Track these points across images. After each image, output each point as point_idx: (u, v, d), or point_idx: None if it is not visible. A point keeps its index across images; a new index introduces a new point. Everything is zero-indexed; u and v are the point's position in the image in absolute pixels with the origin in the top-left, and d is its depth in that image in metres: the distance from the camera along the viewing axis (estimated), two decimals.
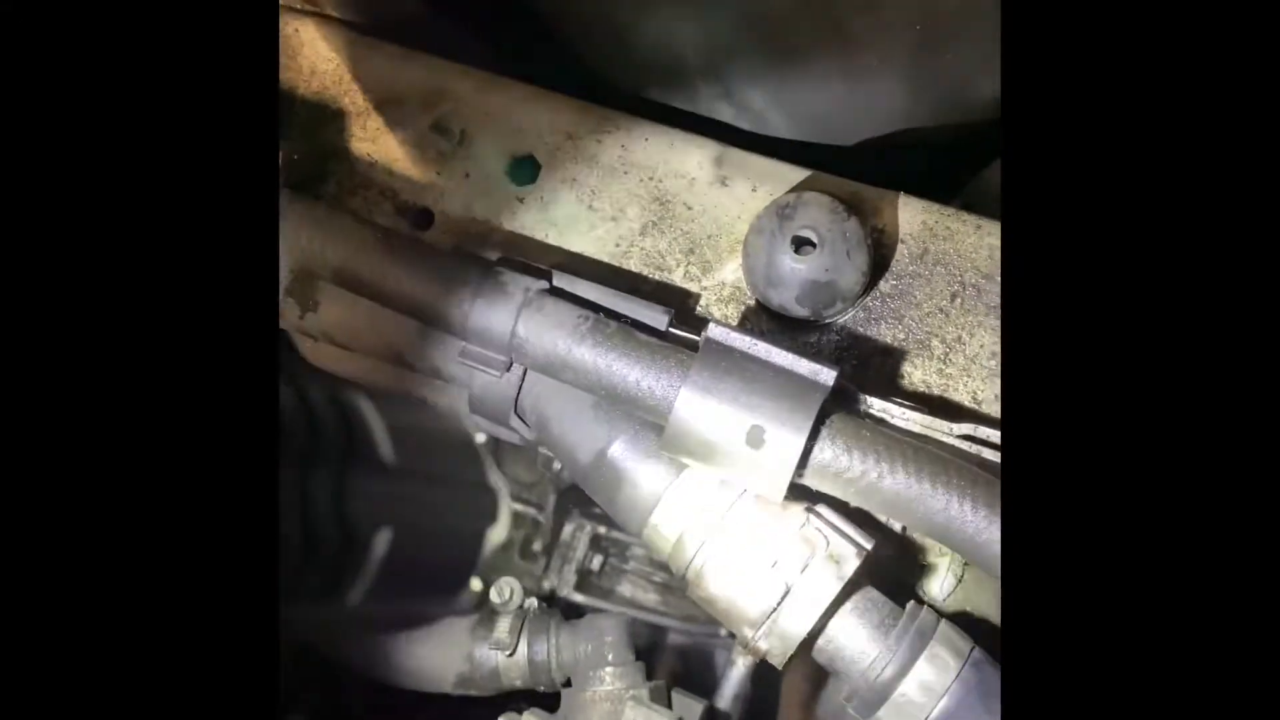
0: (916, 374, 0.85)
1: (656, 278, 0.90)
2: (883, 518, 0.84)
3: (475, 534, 1.11)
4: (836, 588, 0.75)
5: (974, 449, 0.78)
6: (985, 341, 0.84)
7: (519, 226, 0.92)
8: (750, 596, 0.77)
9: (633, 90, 0.98)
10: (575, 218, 0.91)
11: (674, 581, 1.24)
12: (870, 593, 0.79)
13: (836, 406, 0.75)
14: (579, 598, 1.26)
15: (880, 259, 0.86)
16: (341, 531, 0.90)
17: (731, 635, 1.05)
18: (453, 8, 1.06)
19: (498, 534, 1.13)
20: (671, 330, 0.82)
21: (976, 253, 0.86)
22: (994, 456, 0.78)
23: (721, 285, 0.89)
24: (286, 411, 0.88)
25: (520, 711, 0.96)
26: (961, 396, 0.84)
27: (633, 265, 0.90)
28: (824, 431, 0.73)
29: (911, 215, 0.88)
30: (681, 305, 0.88)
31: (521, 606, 1.03)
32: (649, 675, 1.00)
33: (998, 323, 0.84)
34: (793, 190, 0.87)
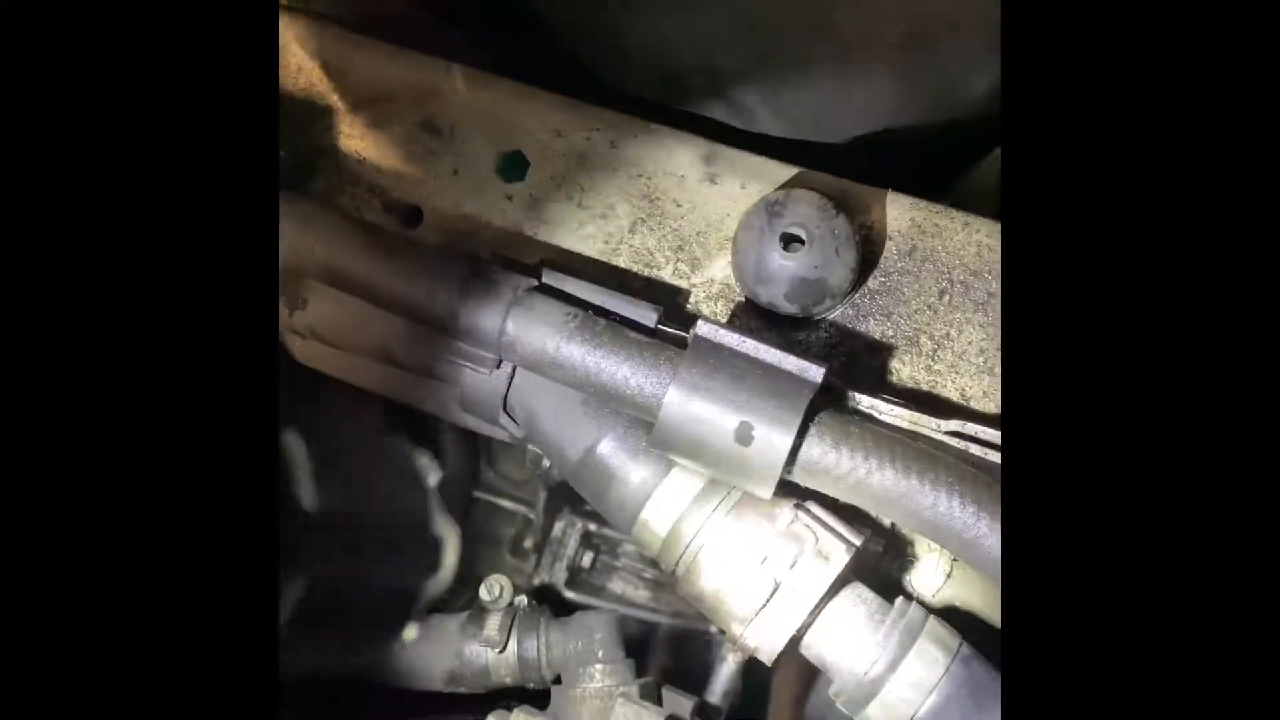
0: (905, 370, 0.85)
1: (646, 275, 0.90)
2: (872, 514, 0.84)
3: (409, 586, 1.06)
4: (825, 584, 0.76)
5: (962, 445, 0.79)
6: (973, 338, 0.85)
7: (508, 224, 0.92)
8: (739, 593, 0.77)
9: (622, 87, 0.98)
10: (564, 215, 0.91)
11: (665, 578, 1.24)
12: (859, 589, 0.79)
13: (825, 403, 0.76)
14: (570, 595, 1.26)
15: (869, 256, 0.86)
16: None
17: (722, 631, 1.06)
18: (441, 5, 1.06)
19: (437, 585, 1.09)
20: (661, 327, 0.82)
21: (965, 249, 0.86)
22: (982, 452, 0.78)
23: (711, 282, 0.89)
24: None
25: (510, 709, 0.97)
26: (950, 393, 0.84)
27: (622, 262, 0.90)
28: (812, 428, 0.73)
29: (900, 212, 0.88)
30: (671, 302, 0.88)
31: (511, 604, 1.03)
32: (640, 672, 1.00)
33: (985, 319, 0.85)
34: (782, 187, 0.88)
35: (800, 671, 1.19)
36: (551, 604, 1.09)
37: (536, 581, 1.26)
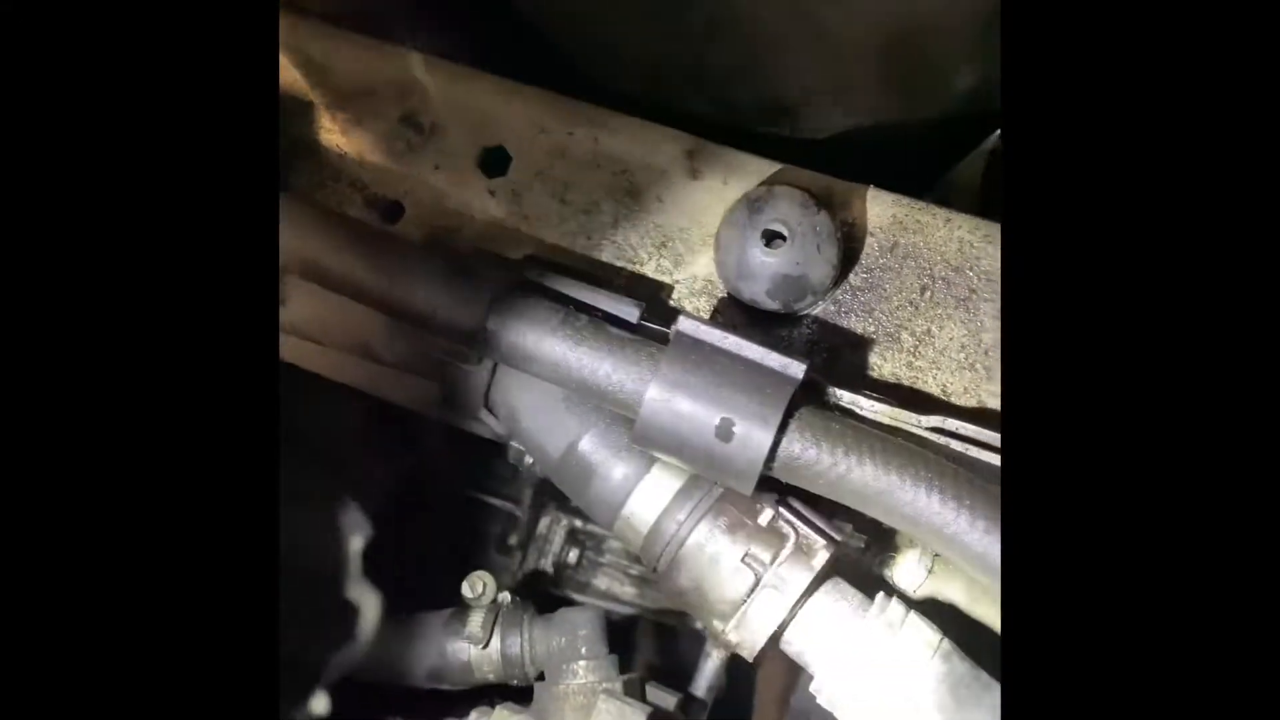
0: (886, 366, 0.85)
1: (629, 271, 0.90)
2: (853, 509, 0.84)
3: (313, 659, 0.94)
4: (806, 580, 0.76)
5: (943, 441, 0.79)
6: (955, 334, 0.85)
7: (490, 219, 0.92)
8: (720, 589, 0.77)
9: (605, 83, 0.98)
10: (547, 210, 0.91)
11: (651, 574, 1.24)
12: (840, 585, 0.79)
13: (806, 399, 0.76)
14: (556, 591, 1.26)
15: (850, 252, 0.86)
16: None
17: (704, 628, 1.06)
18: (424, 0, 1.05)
19: (349, 656, 0.95)
20: (643, 323, 0.82)
21: (946, 246, 0.86)
22: (963, 448, 0.78)
23: (694, 278, 0.89)
24: None
25: (493, 706, 0.96)
26: (931, 388, 0.84)
27: (605, 258, 0.90)
28: (793, 425, 0.73)
29: (881, 209, 0.88)
30: (654, 298, 0.88)
31: (494, 600, 1.03)
32: (626, 668, 1.00)
33: (967, 315, 0.85)
34: (764, 183, 0.88)
35: (785, 667, 1.19)
36: (537, 601, 1.09)
37: (522, 578, 1.26)
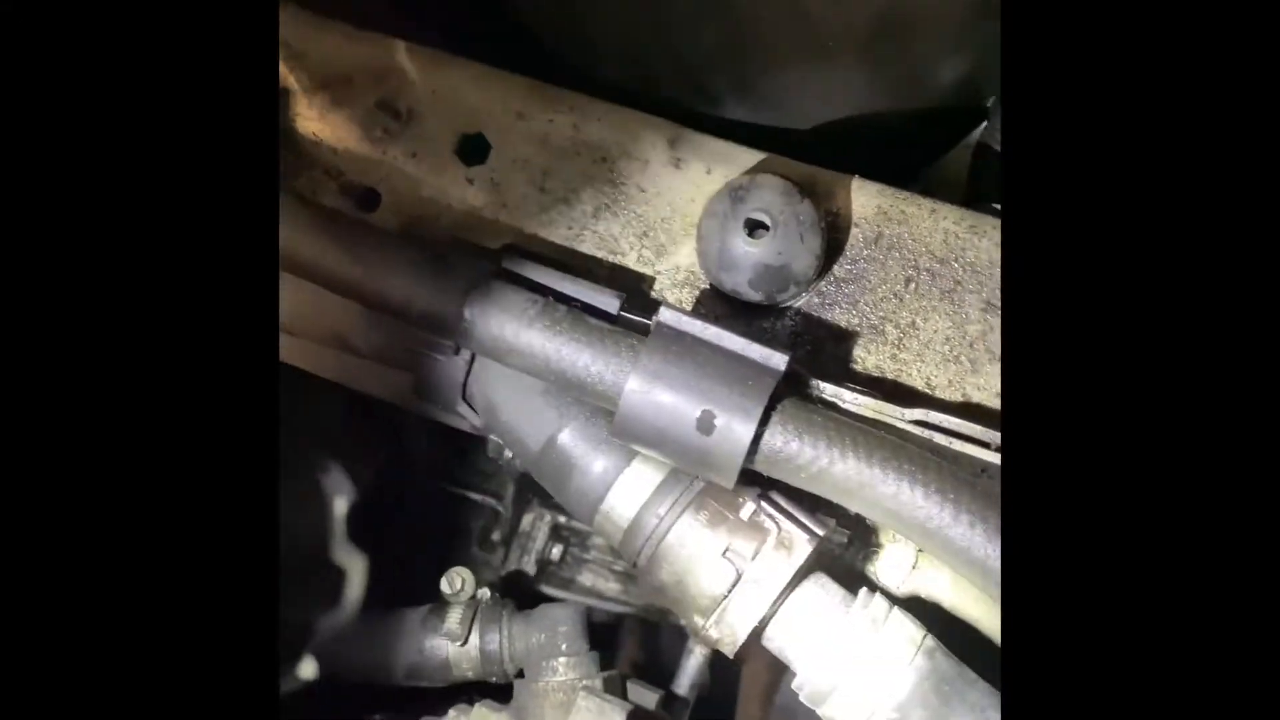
0: (870, 359, 0.84)
1: (610, 261, 0.88)
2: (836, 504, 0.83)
3: (301, 621, 0.94)
4: (787, 575, 0.75)
5: (926, 434, 0.78)
6: (939, 326, 0.84)
7: (468, 208, 0.90)
8: (700, 584, 0.75)
9: (586, 70, 0.96)
10: (526, 199, 0.90)
11: (633, 570, 1.23)
12: (822, 580, 0.78)
13: (788, 392, 0.74)
14: (539, 587, 1.24)
15: (834, 243, 0.85)
16: None
17: (685, 624, 1.05)
18: None
19: (337, 619, 0.94)
20: (623, 314, 0.80)
21: (931, 237, 0.85)
22: (946, 441, 0.77)
23: (676, 269, 0.88)
24: None
25: (471, 703, 0.95)
26: (915, 381, 0.83)
27: (585, 248, 0.89)
28: (775, 417, 0.72)
29: (866, 199, 0.87)
30: (635, 289, 0.87)
31: (473, 597, 1.01)
32: (610, 664, 0.99)
33: (951, 308, 0.84)
34: (747, 173, 0.86)
35: (770, 664, 1.18)
36: (520, 597, 1.07)
37: (505, 574, 1.25)
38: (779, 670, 1.16)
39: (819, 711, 0.77)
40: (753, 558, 0.75)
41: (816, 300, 0.85)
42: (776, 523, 0.76)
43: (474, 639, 1.00)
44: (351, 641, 1.01)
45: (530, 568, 1.23)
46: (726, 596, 0.75)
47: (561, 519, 1.25)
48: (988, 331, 0.83)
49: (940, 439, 0.77)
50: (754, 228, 0.80)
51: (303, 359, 0.89)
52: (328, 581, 0.92)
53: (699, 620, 0.76)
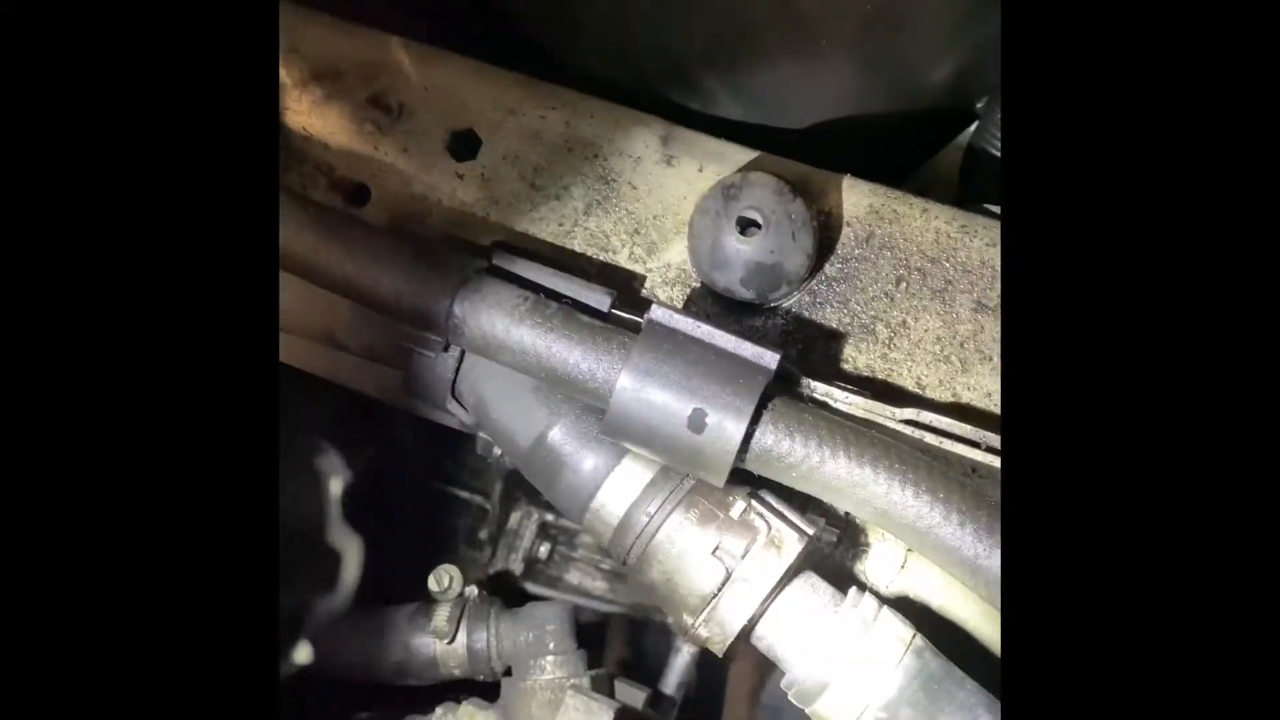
0: (861, 358, 0.84)
1: (601, 258, 0.88)
2: (826, 503, 0.83)
3: (296, 604, 0.93)
4: (777, 574, 0.74)
5: (917, 434, 0.78)
6: (930, 326, 0.84)
7: (458, 204, 0.89)
8: (690, 582, 0.75)
9: (579, 67, 0.96)
10: (517, 195, 0.89)
11: (622, 568, 1.23)
12: (812, 579, 0.78)
13: (779, 391, 0.74)
14: (526, 586, 1.24)
15: (826, 242, 0.85)
16: None
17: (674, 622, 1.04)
18: None
19: (333, 603, 0.93)
20: (614, 312, 0.80)
21: (923, 236, 0.85)
22: (937, 441, 0.77)
23: (667, 267, 0.88)
24: None
25: (458, 701, 0.95)
26: (905, 381, 0.83)
27: (576, 245, 0.88)
28: (766, 416, 0.72)
29: (858, 198, 0.87)
30: (626, 287, 0.86)
31: (461, 594, 1.01)
32: (597, 663, 0.99)
33: (942, 307, 0.84)
34: (740, 171, 0.86)
35: (756, 663, 1.19)
36: (508, 595, 1.07)
37: (492, 573, 1.24)
38: (766, 669, 1.16)
39: (808, 710, 0.77)
40: (743, 556, 0.75)
41: (808, 299, 0.85)
42: (767, 521, 0.76)
43: (461, 637, 0.99)
44: (338, 638, 1.01)
45: (518, 566, 1.23)
46: (716, 595, 0.75)
47: (549, 517, 1.24)
48: (978, 331, 0.83)
49: (931, 439, 0.77)
50: (746, 226, 0.79)
51: (291, 355, 0.88)
52: (322, 564, 0.91)
53: (688, 619, 0.76)
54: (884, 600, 0.78)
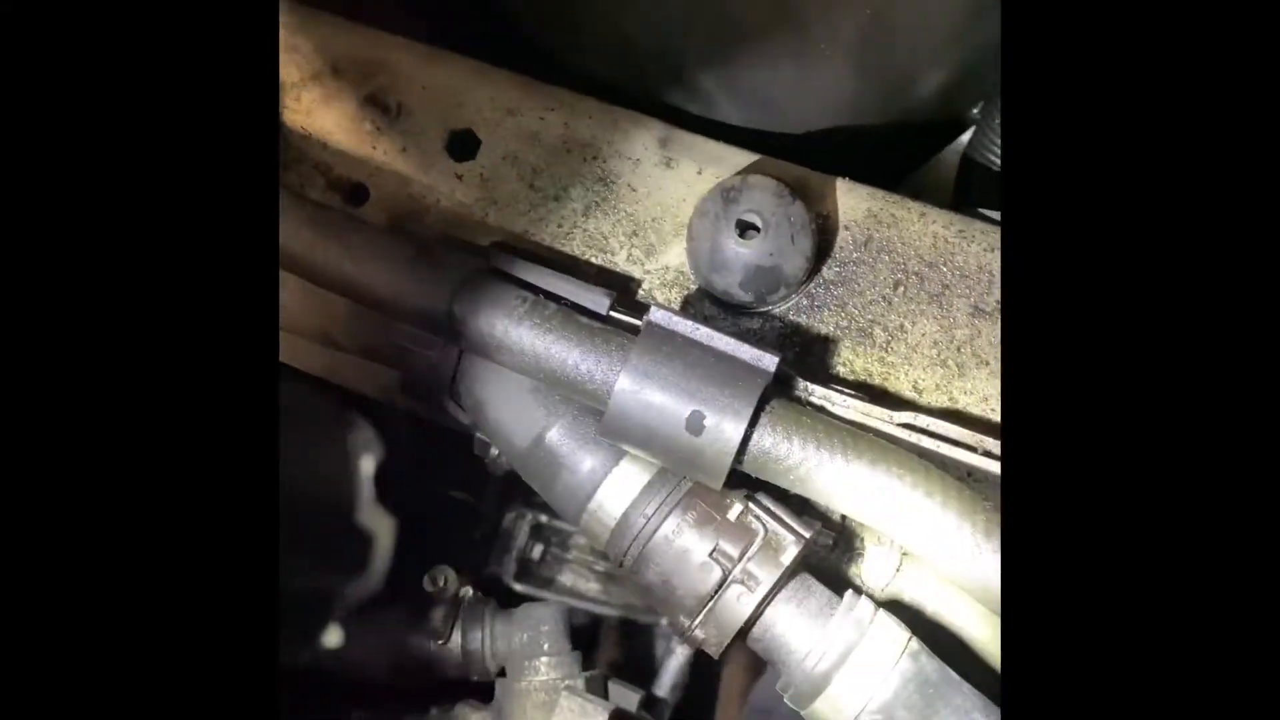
0: (858, 362, 0.84)
1: (599, 260, 0.88)
2: (822, 506, 0.83)
3: (324, 588, 0.89)
4: (774, 576, 0.74)
5: (914, 437, 0.78)
6: (927, 330, 0.84)
7: (457, 204, 0.89)
8: (687, 584, 0.75)
9: (578, 69, 0.96)
10: (516, 196, 0.89)
11: (616, 570, 1.23)
12: (808, 581, 0.78)
13: (777, 393, 0.75)
14: (519, 587, 1.24)
15: (824, 245, 0.85)
16: None
17: (670, 624, 1.04)
18: None
19: (364, 586, 0.91)
20: (613, 314, 0.80)
21: (920, 240, 0.85)
22: (933, 445, 0.78)
23: (665, 269, 0.88)
24: None
25: (453, 702, 0.94)
26: (902, 385, 0.83)
27: (575, 247, 0.88)
28: (764, 419, 0.72)
29: (856, 202, 0.87)
30: (624, 289, 0.87)
31: (456, 595, 1.01)
32: (589, 665, 0.99)
33: (940, 311, 0.84)
34: (739, 173, 0.86)
35: (747, 665, 1.19)
36: (500, 596, 1.07)
37: (485, 574, 1.24)
38: (757, 671, 1.16)
39: (804, 713, 0.77)
40: (740, 558, 0.75)
41: (805, 302, 0.85)
42: (764, 524, 0.76)
43: (456, 638, 0.99)
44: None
45: (511, 567, 1.23)
46: (713, 597, 0.75)
47: (543, 518, 1.24)
48: (975, 336, 0.83)
49: (927, 442, 0.77)
50: (745, 228, 0.80)
51: (288, 354, 0.88)
52: (354, 545, 0.87)
53: (685, 620, 0.76)
54: (880, 603, 0.78)
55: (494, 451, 1.05)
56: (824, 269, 0.86)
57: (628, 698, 0.98)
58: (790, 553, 0.75)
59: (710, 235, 0.81)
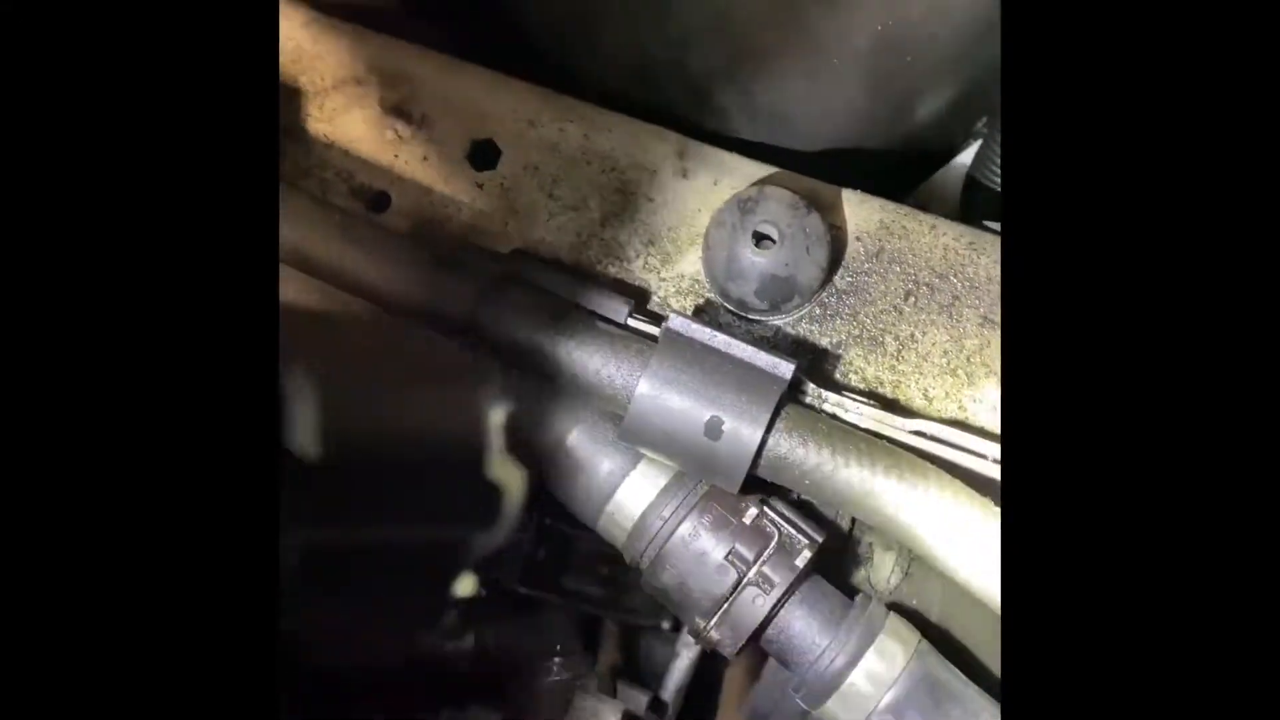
0: (870, 370, 0.86)
1: (616, 269, 0.90)
2: (834, 510, 0.85)
3: (448, 544, 0.88)
4: (789, 578, 0.76)
5: (925, 444, 0.80)
6: (938, 339, 0.86)
7: (477, 212, 0.91)
8: (703, 586, 0.77)
9: (597, 84, 0.98)
10: (535, 205, 0.91)
11: (619, 574, 1.24)
12: (821, 584, 0.80)
13: (793, 399, 0.76)
14: (523, 589, 1.25)
15: (837, 255, 0.87)
16: None
17: (674, 629, 1.06)
18: None
19: (489, 541, 0.90)
20: (631, 321, 0.82)
21: (931, 252, 0.87)
22: (943, 452, 0.79)
23: (681, 277, 0.90)
24: None
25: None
26: (913, 393, 0.85)
27: (593, 255, 0.90)
28: (780, 424, 0.74)
29: (868, 213, 0.89)
30: (641, 297, 0.88)
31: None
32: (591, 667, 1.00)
33: (950, 321, 0.86)
34: (754, 185, 0.88)
35: (748, 667, 1.20)
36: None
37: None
38: (757, 673, 1.17)
39: (815, 712, 0.79)
40: (755, 561, 0.77)
41: (818, 311, 0.87)
42: (779, 528, 0.78)
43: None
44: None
45: (516, 569, 1.24)
46: (729, 599, 0.77)
47: (548, 521, 1.25)
48: (985, 345, 0.85)
49: (938, 450, 0.79)
50: (761, 239, 0.82)
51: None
52: (484, 497, 0.86)
53: (700, 621, 0.78)
54: (889, 606, 0.80)
55: None
56: (836, 279, 0.88)
57: (635, 699, 0.99)
58: (804, 556, 0.77)
59: (727, 245, 0.82)
